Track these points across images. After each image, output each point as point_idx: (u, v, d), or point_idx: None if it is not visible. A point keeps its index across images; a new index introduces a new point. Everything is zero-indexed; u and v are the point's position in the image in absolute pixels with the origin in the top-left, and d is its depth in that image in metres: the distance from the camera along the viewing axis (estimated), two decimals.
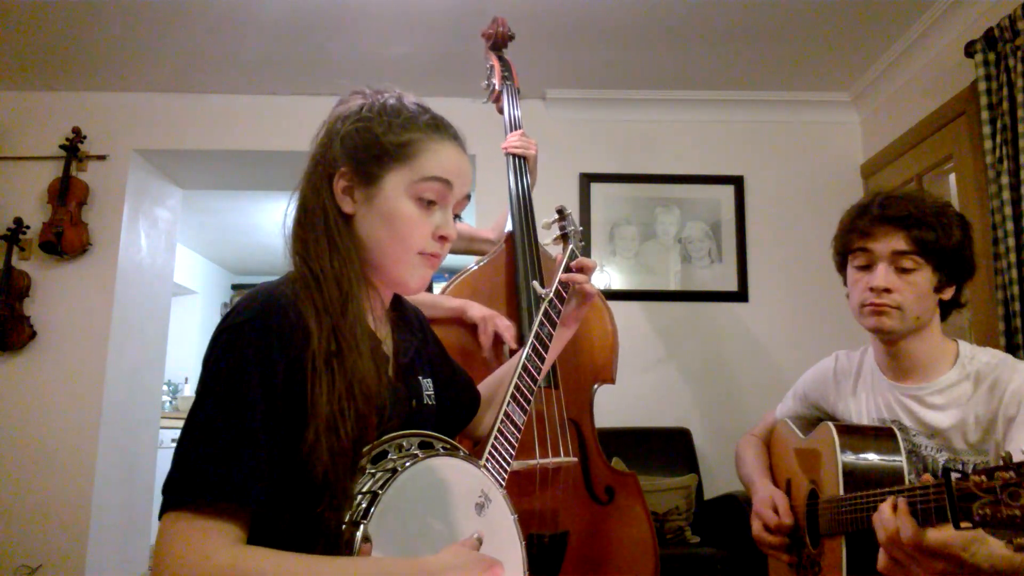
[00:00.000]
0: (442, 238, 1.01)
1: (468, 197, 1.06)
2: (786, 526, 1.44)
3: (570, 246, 1.39)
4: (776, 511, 1.46)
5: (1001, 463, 0.90)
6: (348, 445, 0.87)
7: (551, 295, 1.27)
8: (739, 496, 2.73)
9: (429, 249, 1.00)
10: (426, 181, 0.98)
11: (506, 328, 1.72)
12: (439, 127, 1.02)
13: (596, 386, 1.88)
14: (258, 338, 0.87)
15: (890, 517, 1.07)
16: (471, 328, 1.75)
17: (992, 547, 1.04)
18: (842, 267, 1.46)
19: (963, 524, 0.92)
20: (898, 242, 1.32)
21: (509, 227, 1.92)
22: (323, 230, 0.97)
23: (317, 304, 0.92)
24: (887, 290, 1.33)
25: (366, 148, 0.98)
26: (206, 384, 0.87)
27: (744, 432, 1.81)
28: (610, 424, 2.76)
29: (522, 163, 1.97)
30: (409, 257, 1.00)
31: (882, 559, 1.11)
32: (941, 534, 1.02)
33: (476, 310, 1.74)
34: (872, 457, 1.30)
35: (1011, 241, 2.30)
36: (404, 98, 1.04)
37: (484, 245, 2.08)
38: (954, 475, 0.94)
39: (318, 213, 0.98)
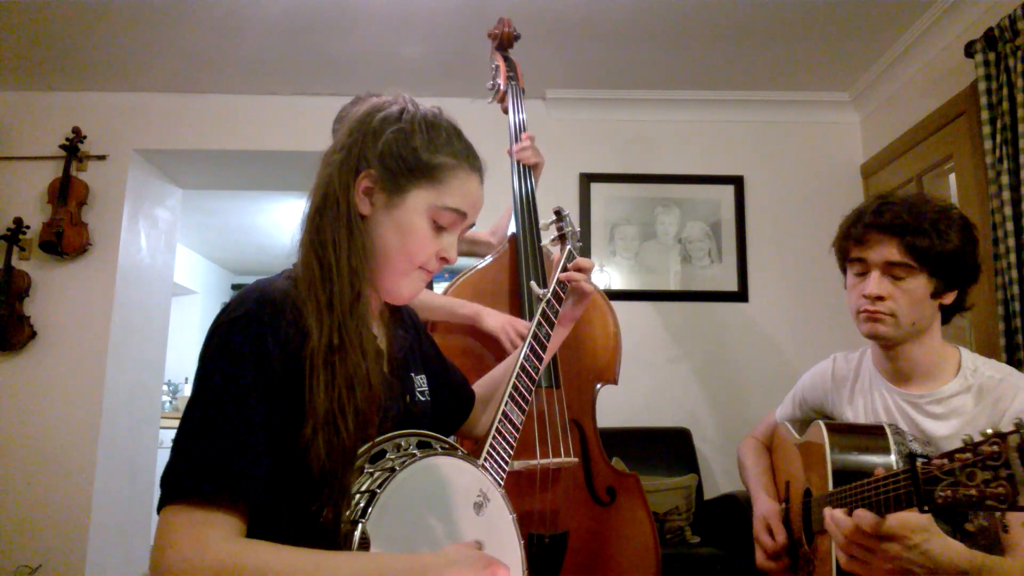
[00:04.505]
0: (443, 259, 1.04)
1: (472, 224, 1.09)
2: (782, 547, 1.44)
3: (567, 247, 1.39)
4: (771, 533, 1.47)
5: (962, 445, 0.91)
6: (348, 442, 0.87)
7: (548, 295, 1.28)
8: (739, 496, 2.73)
9: (429, 266, 1.03)
10: (447, 209, 1.01)
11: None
12: (470, 157, 1.05)
13: (598, 386, 1.88)
14: (254, 332, 0.88)
15: (844, 517, 1.09)
16: (479, 333, 1.74)
17: (948, 544, 1.06)
18: (844, 270, 1.47)
19: (926, 508, 0.94)
20: (891, 251, 1.31)
21: (512, 229, 1.92)
22: (344, 224, 0.97)
23: (321, 299, 0.92)
24: (880, 298, 1.32)
25: (401, 159, 0.99)
26: (203, 378, 0.87)
27: (745, 433, 1.81)
28: (610, 424, 2.75)
29: (529, 170, 1.96)
30: (411, 270, 1.02)
31: (842, 558, 1.12)
32: (898, 517, 1.04)
33: (491, 319, 1.72)
34: (861, 455, 1.30)
35: (1011, 241, 2.30)
36: (441, 115, 1.05)
37: (483, 248, 2.08)
38: (919, 460, 0.96)
39: (341, 206, 0.98)
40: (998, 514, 1.07)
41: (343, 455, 0.86)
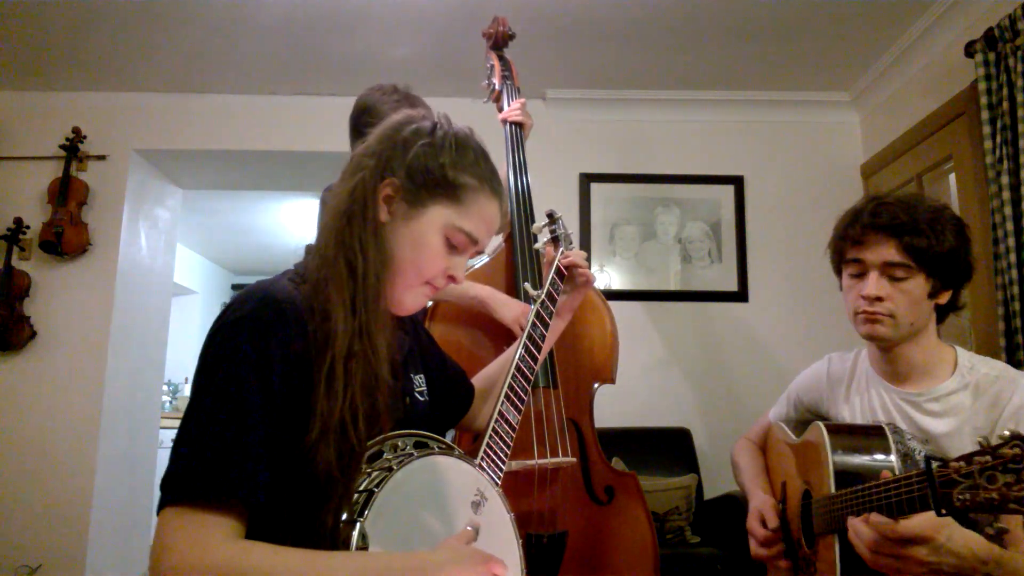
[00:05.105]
0: (450, 277, 1.04)
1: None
2: (774, 535, 1.44)
3: (560, 249, 1.39)
4: (764, 524, 1.47)
5: (979, 448, 0.91)
6: (358, 448, 0.87)
7: (542, 296, 1.29)
8: (739, 496, 2.73)
9: (436, 283, 1.03)
10: (462, 232, 1.01)
11: None
12: (493, 181, 1.05)
13: (596, 386, 1.88)
14: (256, 334, 0.88)
15: (863, 526, 1.10)
16: (480, 329, 1.74)
17: (966, 535, 1.06)
18: (839, 271, 1.46)
19: (944, 512, 0.94)
20: (889, 251, 1.31)
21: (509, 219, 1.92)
22: (372, 229, 0.97)
23: (346, 302, 0.92)
24: (879, 298, 1.32)
25: (427, 172, 1.00)
26: (203, 380, 0.87)
27: (740, 435, 1.80)
28: (610, 424, 2.75)
29: (519, 132, 2.02)
30: (418, 284, 1.02)
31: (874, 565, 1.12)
32: (915, 520, 1.04)
33: (504, 310, 1.71)
34: (863, 455, 1.30)
35: (1011, 241, 2.30)
36: (472, 135, 1.06)
37: None
38: (935, 463, 0.95)
39: (368, 210, 0.98)
40: (1020, 517, 1.07)
41: (352, 460, 0.86)
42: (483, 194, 1.03)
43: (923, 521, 1.04)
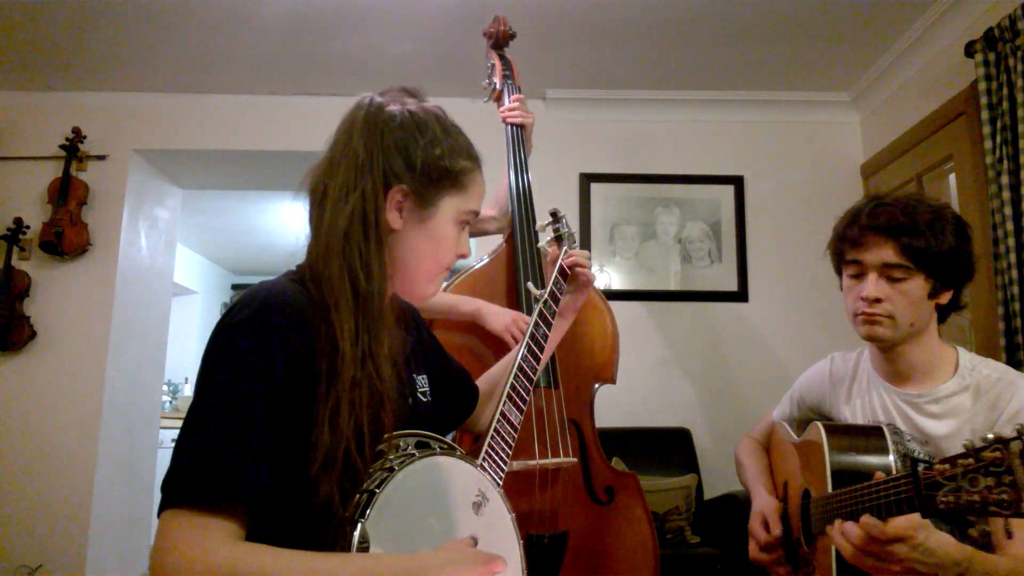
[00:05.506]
0: (461, 255, 1.07)
1: None
2: (776, 539, 1.44)
3: (564, 248, 1.39)
4: (767, 526, 1.47)
5: (963, 451, 0.91)
6: (361, 469, 0.87)
7: (545, 295, 1.28)
8: (739, 496, 2.73)
9: (451, 265, 1.07)
10: (470, 212, 1.06)
11: None
12: (476, 154, 1.08)
13: (596, 386, 1.88)
14: (257, 336, 0.87)
15: (853, 528, 1.10)
16: (481, 331, 1.74)
17: (942, 537, 1.07)
18: (839, 271, 1.46)
19: (931, 511, 0.95)
20: (887, 253, 1.31)
21: (509, 208, 1.92)
22: (376, 246, 0.96)
23: (351, 330, 0.91)
24: (878, 300, 1.32)
25: (429, 171, 1.00)
26: (205, 382, 0.87)
27: (744, 434, 1.81)
28: (610, 424, 2.75)
29: (520, 132, 2.01)
30: (439, 273, 1.05)
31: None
32: (899, 520, 1.06)
33: (494, 319, 1.72)
34: (860, 455, 1.30)
35: (1011, 241, 2.30)
36: (445, 115, 1.07)
37: (490, 223, 2.08)
38: (921, 465, 0.96)
39: (372, 226, 0.96)
40: (1002, 520, 1.08)
41: (353, 486, 0.86)
42: (476, 173, 1.07)
43: (905, 520, 1.06)
